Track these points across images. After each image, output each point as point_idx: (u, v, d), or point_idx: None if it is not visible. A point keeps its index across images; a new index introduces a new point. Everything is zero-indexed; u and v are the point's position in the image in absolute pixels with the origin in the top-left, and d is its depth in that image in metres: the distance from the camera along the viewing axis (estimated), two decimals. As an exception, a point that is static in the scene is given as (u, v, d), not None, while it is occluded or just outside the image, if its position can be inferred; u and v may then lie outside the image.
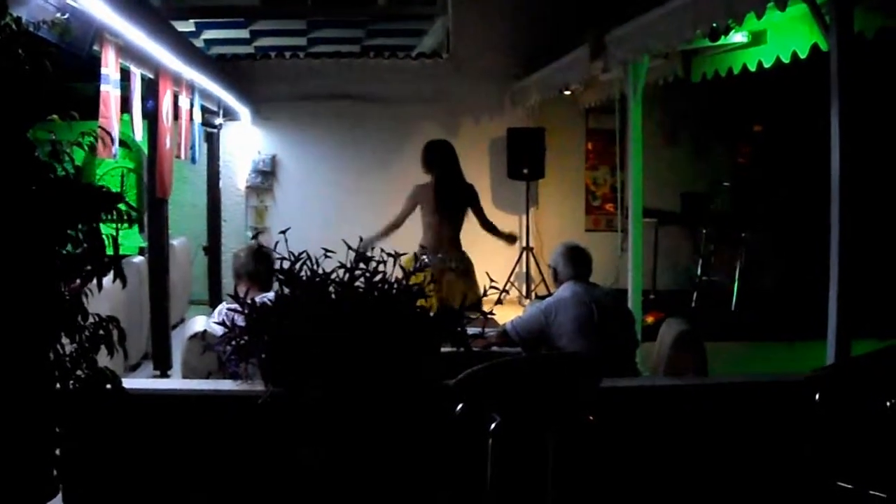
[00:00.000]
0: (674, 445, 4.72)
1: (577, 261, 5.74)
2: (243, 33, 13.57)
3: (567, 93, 10.89)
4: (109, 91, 5.90)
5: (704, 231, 11.53)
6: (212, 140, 11.54)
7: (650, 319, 9.61)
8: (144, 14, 5.86)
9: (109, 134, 5.59)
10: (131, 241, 10.96)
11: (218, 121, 11.29)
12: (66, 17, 4.25)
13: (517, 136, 12.11)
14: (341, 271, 4.43)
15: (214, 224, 11.90)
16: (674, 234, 12.14)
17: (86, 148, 3.81)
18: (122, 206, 3.68)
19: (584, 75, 8.84)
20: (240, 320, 4.38)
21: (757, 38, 7.89)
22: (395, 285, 4.43)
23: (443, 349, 4.50)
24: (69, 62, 4.29)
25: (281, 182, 12.83)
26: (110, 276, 7.08)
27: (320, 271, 4.45)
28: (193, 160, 9.57)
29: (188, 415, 4.53)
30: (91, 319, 3.58)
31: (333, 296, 4.36)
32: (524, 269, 12.33)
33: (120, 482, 4.45)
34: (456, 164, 8.12)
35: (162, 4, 13.03)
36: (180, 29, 12.50)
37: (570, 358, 4.91)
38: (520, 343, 5.61)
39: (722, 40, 7.47)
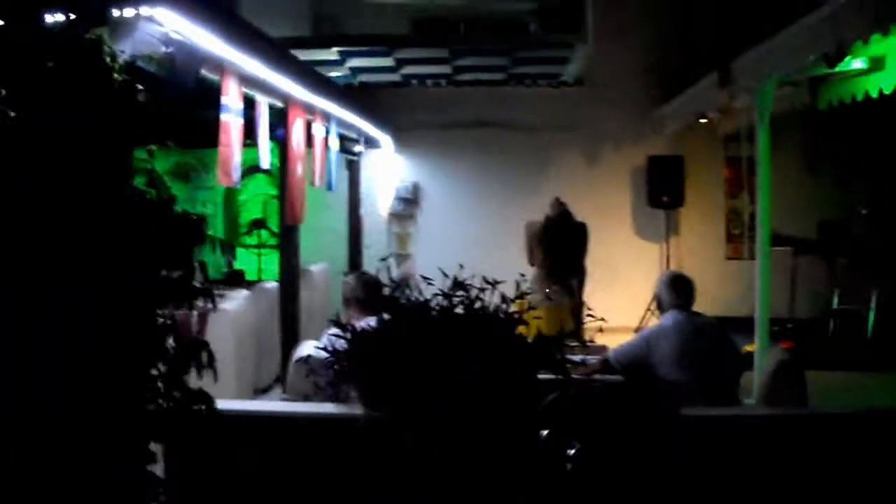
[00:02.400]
0: (759, 478, 4.56)
1: (679, 289, 5.64)
2: (388, 61, 13.73)
3: (703, 120, 10.71)
4: (230, 120, 6.07)
5: (841, 259, 11.16)
6: (352, 167, 11.74)
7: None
8: (262, 46, 6.03)
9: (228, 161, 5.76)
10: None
11: (358, 148, 11.47)
12: (170, 49, 4.40)
13: (657, 164, 12.02)
14: (441, 298, 4.43)
15: (355, 250, 12.09)
16: (811, 262, 11.77)
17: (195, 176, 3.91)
18: (262, 231, 3.73)
19: (713, 104, 8.73)
20: (341, 345, 4.43)
21: (876, 64, 7.64)
22: (494, 312, 4.41)
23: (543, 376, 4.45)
24: (174, 93, 4.44)
25: (423, 209, 12.99)
26: (241, 300, 7.28)
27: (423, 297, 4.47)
28: (330, 187, 9.76)
29: (284, 436, 4.59)
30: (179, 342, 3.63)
31: (431, 322, 4.37)
32: (664, 297, 12.13)
33: (217, 500, 4.54)
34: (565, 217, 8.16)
35: (312, 33, 13.40)
36: (324, 57, 12.85)
37: (650, 386, 4.89)
38: (621, 371, 5.53)
39: (841, 67, 7.24)
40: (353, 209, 12.03)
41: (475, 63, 13.92)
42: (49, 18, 3.45)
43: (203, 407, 3.73)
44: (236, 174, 6.25)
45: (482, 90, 12.89)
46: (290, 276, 7.89)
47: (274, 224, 11.93)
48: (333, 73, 14.35)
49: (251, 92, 6.65)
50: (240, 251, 13.81)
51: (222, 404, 3.96)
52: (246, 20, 5.97)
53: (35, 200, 3.30)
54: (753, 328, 7.92)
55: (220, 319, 7.25)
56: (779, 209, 11.81)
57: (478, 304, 4.44)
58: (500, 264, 8.22)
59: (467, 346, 4.24)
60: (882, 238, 11.24)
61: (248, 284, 9.36)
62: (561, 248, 8.08)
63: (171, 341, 3.62)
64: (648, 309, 11.85)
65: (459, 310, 4.41)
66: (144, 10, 4.24)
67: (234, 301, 7.73)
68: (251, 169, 10.55)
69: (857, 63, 7.69)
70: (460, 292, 4.46)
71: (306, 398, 4.76)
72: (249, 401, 5.72)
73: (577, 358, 4.78)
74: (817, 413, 4.91)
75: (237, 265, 12.85)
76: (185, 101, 4.43)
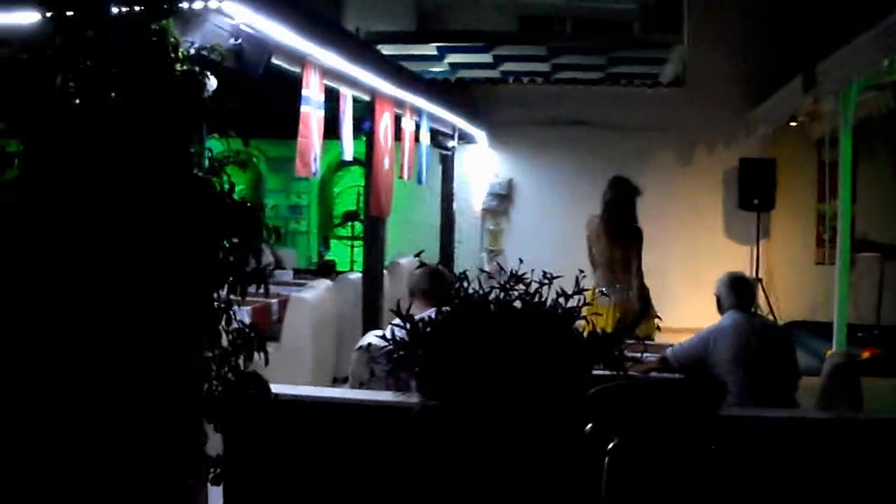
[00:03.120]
0: (802, 482, 4.50)
1: (739, 290, 5.61)
2: (486, 58, 13.79)
3: (793, 124, 10.52)
4: (310, 112, 6.19)
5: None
6: (446, 162, 11.84)
7: (866, 355, 9.22)
8: (337, 39, 6.14)
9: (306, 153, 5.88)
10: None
11: (451, 143, 11.55)
12: (238, 41, 4.52)
13: (749, 167, 11.89)
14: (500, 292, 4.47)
15: (447, 243, 12.19)
16: (900, 268, 11.48)
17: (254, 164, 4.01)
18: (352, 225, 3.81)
19: (800, 107, 8.62)
20: (400, 335, 4.50)
21: None
22: (552, 307, 4.44)
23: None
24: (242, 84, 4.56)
25: (516, 205, 13.02)
26: (322, 290, 7.40)
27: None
28: (420, 181, 9.86)
29: (341, 422, 4.69)
30: (234, 325, 3.73)
31: (489, 315, 4.41)
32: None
33: (273, 482, 4.65)
34: (629, 206, 7.94)
35: (416, 28, 13.52)
36: (423, 52, 12.96)
37: (692, 384, 4.88)
38: (679, 370, 5.54)
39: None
40: (446, 203, 12.13)
41: (573, 62, 13.92)
42: (116, 10, 3.57)
43: (256, 390, 3.82)
44: (315, 165, 6.36)
45: (579, 89, 12.88)
46: (374, 267, 8.00)
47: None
48: (434, 69, 14.48)
49: (335, 85, 6.77)
50: (333, 242, 14.04)
51: (279, 388, 4.06)
52: (319, 14, 6.07)
53: (98, 186, 3.42)
54: (842, 334, 7.80)
55: (298, 308, 7.40)
56: (868, 214, 11.64)
57: (536, 299, 4.46)
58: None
59: (522, 340, 4.27)
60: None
61: (336, 275, 9.52)
62: (619, 242, 7.94)
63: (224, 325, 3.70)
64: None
65: (517, 304, 4.44)
66: (213, 3, 4.35)
67: (313, 290, 7.88)
68: (347, 161, 10.72)
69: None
70: (519, 286, 4.49)
71: (361, 385, 4.85)
72: (308, 386, 5.79)
73: (635, 355, 4.79)
74: (865, 418, 4.83)
75: (330, 256, 13.08)
76: (252, 92, 4.52)
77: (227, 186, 3.79)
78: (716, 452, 4.05)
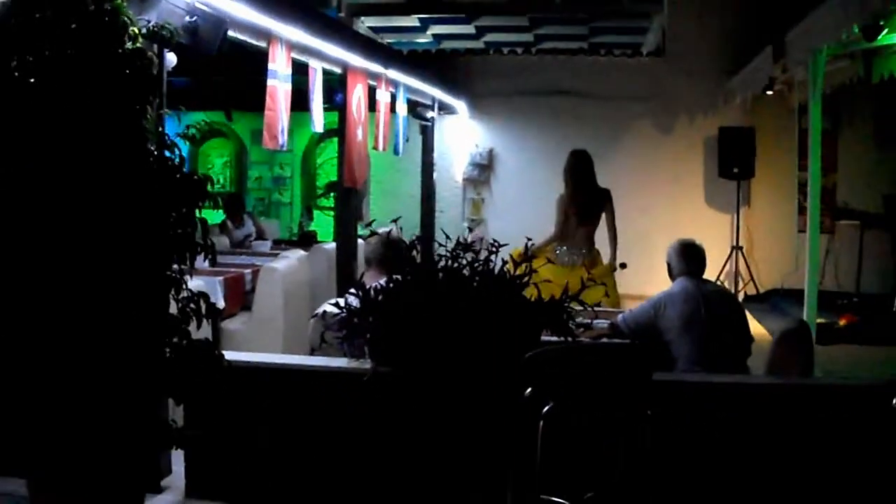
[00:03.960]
0: (731, 445, 4.63)
1: (689, 257, 5.67)
2: (469, 29, 13.87)
3: (770, 92, 10.61)
4: (277, 85, 6.31)
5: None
6: (426, 133, 11.96)
7: (843, 322, 9.36)
8: (303, 16, 6.26)
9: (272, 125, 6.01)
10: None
11: (430, 114, 11.66)
12: (194, 19, 4.65)
13: (728, 135, 11.98)
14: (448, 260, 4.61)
15: (427, 213, 12.31)
16: (879, 236, 11.57)
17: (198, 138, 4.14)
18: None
19: (775, 76, 8.73)
20: (354, 302, 4.64)
21: None
22: (500, 274, 4.58)
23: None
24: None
25: (498, 175, 13.14)
26: (294, 260, 7.52)
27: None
28: (396, 152, 9.99)
29: (293, 388, 4.84)
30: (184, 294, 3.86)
31: (438, 282, 4.55)
32: (733, 268, 12.13)
33: (232, 446, 4.81)
34: (588, 173, 8.24)
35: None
36: (405, 24, 13.01)
37: (625, 348, 4.95)
38: (629, 336, 5.58)
39: (886, 40, 7.15)
40: (426, 174, 12.25)
41: (556, 32, 14.00)
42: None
43: (207, 357, 3.96)
44: (283, 137, 6.48)
45: (560, 59, 12.98)
46: (347, 237, 8.13)
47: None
48: (418, 40, 14.57)
49: (304, 59, 6.89)
50: (316, 213, 14.17)
51: (233, 356, 4.22)
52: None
53: (50, 159, 3.55)
54: (822, 302, 7.93)
55: (269, 278, 7.54)
56: (848, 183, 11.76)
57: (485, 267, 4.60)
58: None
59: (468, 307, 4.41)
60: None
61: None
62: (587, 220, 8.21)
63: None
64: (718, 279, 11.86)
65: (466, 272, 4.58)
66: (168, -20, 4.48)
67: (285, 260, 8.00)
68: (329, 132, 10.84)
69: (901, 36, 7.50)
70: (469, 254, 4.63)
71: (313, 352, 5.00)
72: (264, 353, 5.93)
73: (585, 321, 4.93)
74: (809, 384, 4.96)
75: (314, 226, 13.21)
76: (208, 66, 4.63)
77: (177, 160, 3.92)
78: (653, 417, 4.16)
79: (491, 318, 4.42)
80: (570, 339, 4.60)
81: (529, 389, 4.08)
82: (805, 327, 5.64)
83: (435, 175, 12.48)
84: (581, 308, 4.74)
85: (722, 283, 11.95)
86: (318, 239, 11.12)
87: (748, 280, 12.13)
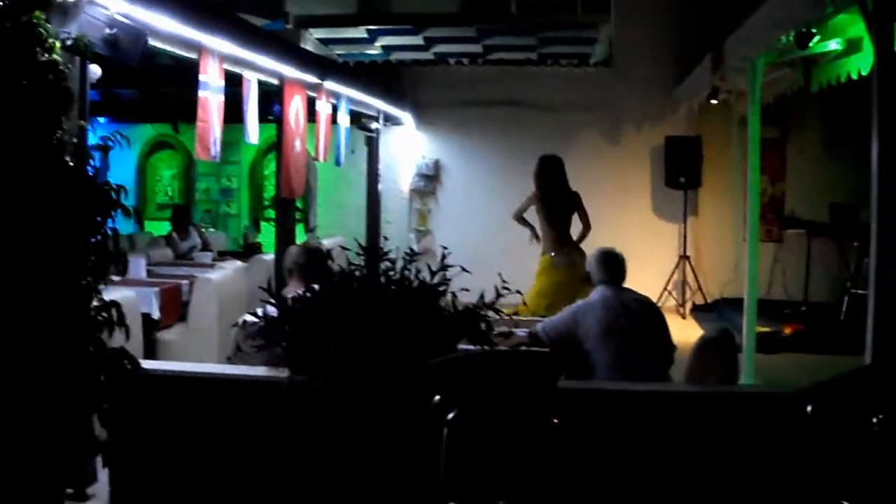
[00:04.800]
0: (644, 453, 4.65)
1: (609, 265, 5.73)
2: (418, 40, 13.92)
3: (714, 101, 10.76)
4: (209, 96, 6.38)
5: (855, 243, 11.15)
6: (371, 143, 12.04)
7: (788, 331, 9.49)
8: (232, 28, 6.33)
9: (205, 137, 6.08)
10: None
11: (375, 125, 11.74)
12: (114, 31, 4.72)
13: (674, 145, 12.12)
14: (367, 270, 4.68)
15: (373, 224, 12.38)
16: (826, 245, 11.76)
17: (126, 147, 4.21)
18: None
19: (718, 85, 8.87)
20: (272, 312, 4.70)
21: (854, 46, 7.44)
22: (418, 285, 4.65)
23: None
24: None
25: (444, 186, 13.25)
26: (230, 270, 7.56)
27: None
28: (338, 163, 10.07)
29: (213, 397, 4.87)
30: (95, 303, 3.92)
31: (354, 292, 4.62)
32: (681, 278, 12.26)
33: (154, 456, 4.84)
34: (560, 177, 8.46)
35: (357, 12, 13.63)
36: (353, 35, 13.06)
37: (529, 356, 4.97)
38: (549, 345, 5.60)
39: (818, 48, 7.28)
40: (371, 185, 12.33)
41: (504, 43, 14.07)
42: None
43: (123, 365, 4.02)
44: (215, 149, 6.55)
45: (507, 69, 13.12)
46: (285, 248, 8.17)
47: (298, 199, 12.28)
48: (368, 52, 14.60)
49: (238, 70, 6.95)
50: (263, 225, 14.21)
51: (155, 364, 4.27)
52: (210, 2, 6.24)
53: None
54: (769, 310, 8.03)
55: (203, 288, 7.59)
56: (796, 192, 11.93)
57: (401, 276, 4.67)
58: (519, 241, 8.57)
59: (383, 316, 4.48)
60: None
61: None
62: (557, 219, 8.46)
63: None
64: (665, 288, 12.00)
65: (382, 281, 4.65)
66: (88, -7, 4.53)
67: (221, 271, 8.06)
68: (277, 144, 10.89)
69: (833, 44, 7.58)
70: (385, 264, 4.71)
71: (229, 360, 5.06)
72: (184, 363, 5.97)
73: (504, 329, 5.01)
74: (724, 392, 4.98)
75: (261, 238, 13.24)
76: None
77: (91, 171, 3.98)
78: (560, 427, 4.22)
79: (403, 327, 4.50)
80: (486, 347, 4.68)
81: (437, 398, 4.14)
82: (728, 335, 5.61)
83: (381, 186, 12.55)
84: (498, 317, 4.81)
85: (670, 292, 12.10)
86: (264, 250, 11.15)
87: (696, 289, 12.26)
